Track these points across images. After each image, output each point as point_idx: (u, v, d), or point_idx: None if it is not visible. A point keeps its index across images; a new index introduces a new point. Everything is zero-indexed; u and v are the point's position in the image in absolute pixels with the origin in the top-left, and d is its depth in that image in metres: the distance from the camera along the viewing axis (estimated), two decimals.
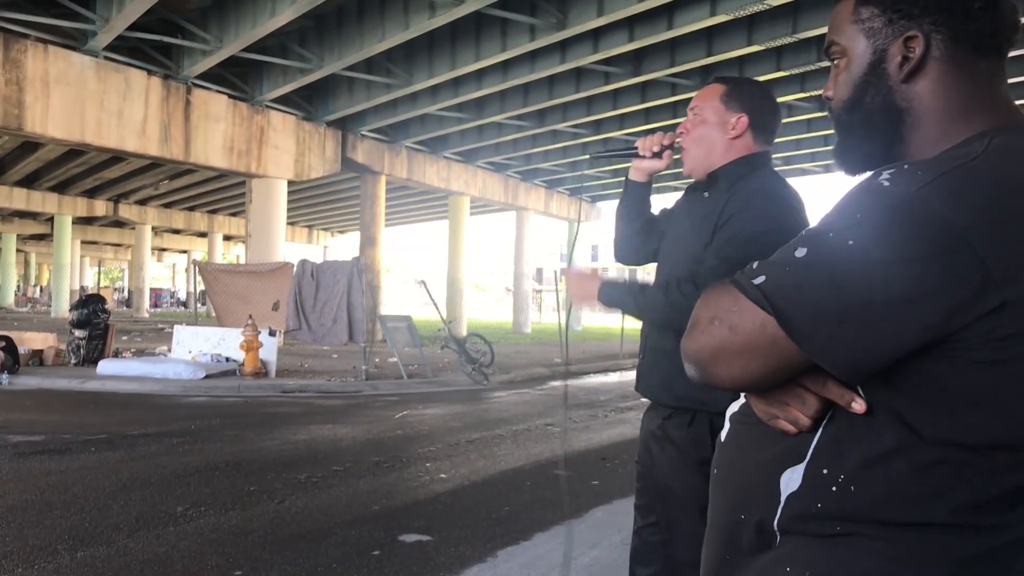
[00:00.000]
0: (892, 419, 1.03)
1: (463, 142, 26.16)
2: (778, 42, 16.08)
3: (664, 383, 2.26)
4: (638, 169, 2.51)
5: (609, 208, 43.32)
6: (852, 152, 1.21)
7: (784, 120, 22.30)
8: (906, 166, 1.02)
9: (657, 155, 2.43)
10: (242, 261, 28.61)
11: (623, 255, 2.59)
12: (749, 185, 2.17)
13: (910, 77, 1.12)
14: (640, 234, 2.53)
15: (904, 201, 0.96)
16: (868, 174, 1.06)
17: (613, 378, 16.56)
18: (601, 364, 18.81)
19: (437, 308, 15.95)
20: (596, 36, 16.76)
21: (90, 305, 15.00)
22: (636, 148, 2.46)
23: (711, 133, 2.26)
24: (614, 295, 2.26)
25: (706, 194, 2.29)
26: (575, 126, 24.39)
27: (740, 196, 2.14)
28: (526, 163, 30.37)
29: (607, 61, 18.39)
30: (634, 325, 24.83)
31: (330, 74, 19.22)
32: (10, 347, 12.87)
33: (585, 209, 39.42)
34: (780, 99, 20.15)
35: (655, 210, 2.61)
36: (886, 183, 1.00)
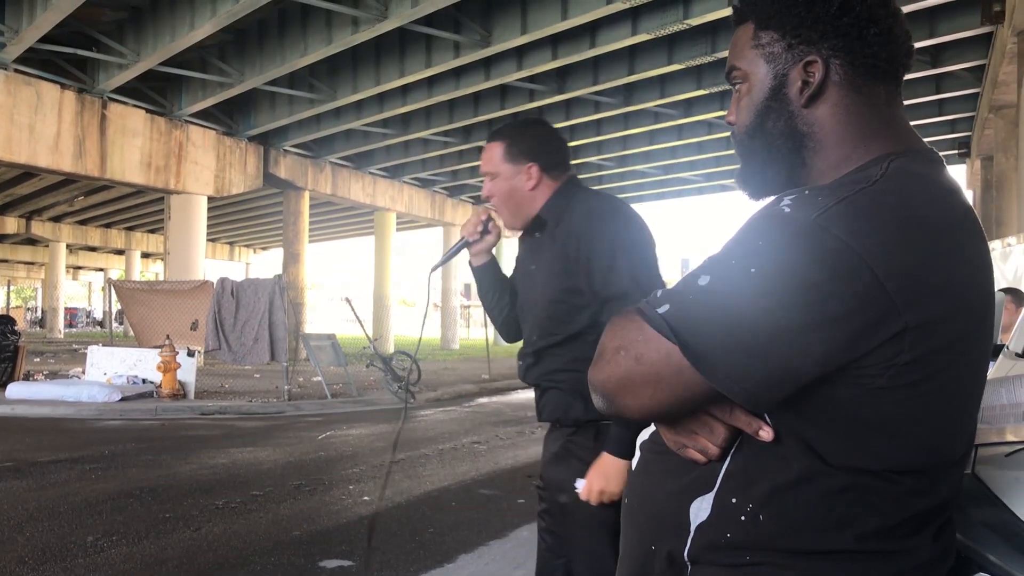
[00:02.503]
0: (799, 446, 1.03)
1: (389, 158, 26.02)
2: (698, 61, 16.44)
3: (567, 404, 2.26)
4: (477, 254, 2.50)
5: None
6: (755, 177, 1.21)
7: (704, 137, 22.98)
8: (807, 192, 1.02)
9: (485, 232, 2.44)
10: (161, 279, 27.92)
11: (510, 334, 2.56)
12: (574, 213, 2.25)
13: (811, 102, 1.13)
14: (509, 305, 2.52)
15: (805, 227, 0.96)
16: (770, 199, 1.06)
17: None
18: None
19: (362, 325, 15.76)
20: (520, 53, 16.88)
21: None
22: (466, 240, 2.47)
23: (512, 189, 2.33)
24: (628, 441, 2.04)
25: (537, 235, 2.36)
26: None
27: (574, 226, 2.22)
28: (453, 179, 30.38)
29: (531, 79, 18.55)
30: None
31: (251, 88, 18.93)
32: None
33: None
34: (700, 117, 20.64)
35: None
36: (787, 209, 0.99)
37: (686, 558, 1.11)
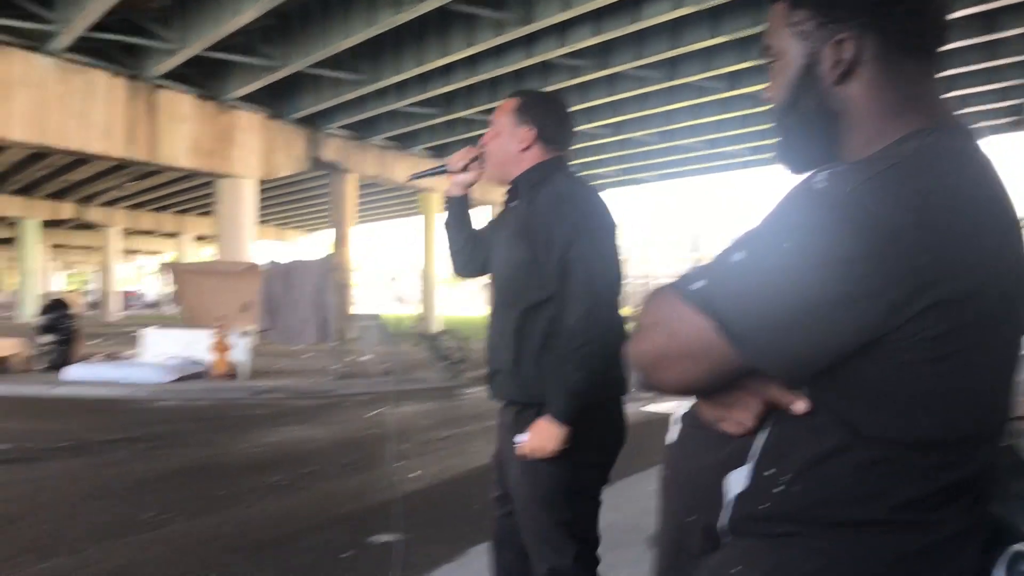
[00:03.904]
0: (833, 419, 1.05)
1: (433, 137, 26.07)
2: (742, 33, 16.18)
3: (516, 385, 2.44)
4: (454, 184, 2.67)
5: None
6: (793, 152, 1.23)
7: (749, 110, 22.64)
8: (841, 167, 1.03)
9: (465, 169, 2.60)
10: (213, 261, 28.50)
11: (459, 267, 2.77)
12: (546, 190, 2.39)
13: (843, 79, 1.14)
14: (468, 245, 2.71)
15: (838, 202, 0.97)
16: (805, 175, 1.07)
17: None
18: None
19: (409, 305, 15.88)
20: (562, 30, 16.76)
21: (57, 310, 14.85)
22: (445, 166, 2.65)
23: (504, 145, 2.48)
24: (565, 407, 2.28)
25: (513, 204, 2.51)
26: None
27: (541, 203, 2.37)
28: None
29: (574, 55, 18.40)
30: None
31: (296, 72, 19.07)
32: None
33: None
34: (745, 90, 20.33)
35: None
36: (821, 185, 1.00)
37: (723, 529, 1.13)
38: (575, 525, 2.44)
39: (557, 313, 2.31)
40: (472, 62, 18.93)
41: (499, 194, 2.61)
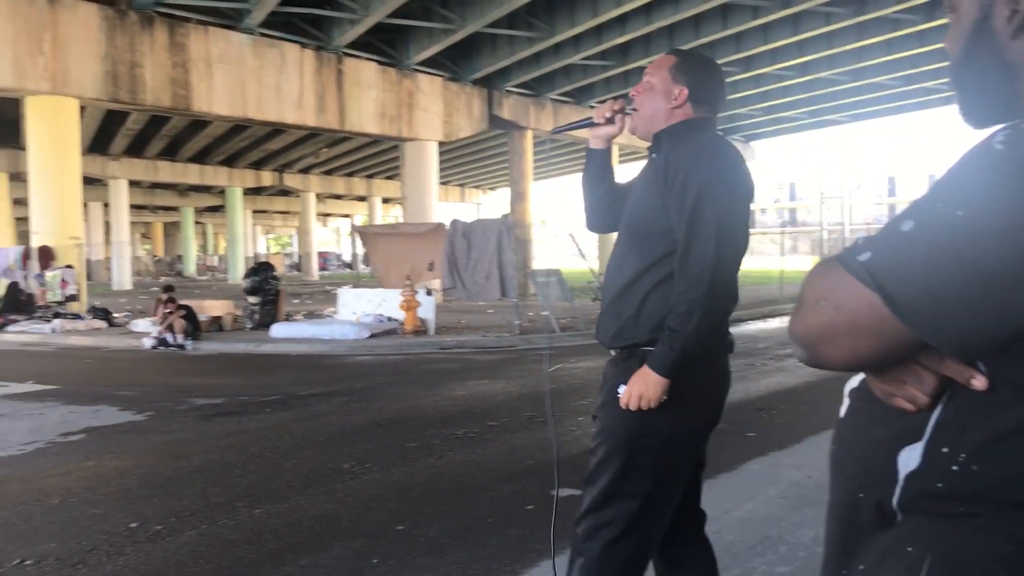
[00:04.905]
0: (1015, 395, 0.97)
1: (609, 90, 25.83)
2: None
3: (622, 330, 2.41)
4: (596, 137, 2.65)
5: (763, 145, 41.89)
6: (972, 108, 1.14)
7: None
8: (1022, 126, 0.94)
9: (610, 120, 2.56)
10: (400, 223, 29.65)
11: (592, 222, 2.74)
12: (688, 143, 2.35)
13: (1019, 33, 1.04)
14: (605, 200, 2.67)
15: (1018, 166, 0.89)
16: (984, 135, 0.99)
17: (772, 324, 16.12)
18: (759, 310, 18.33)
19: (587, 260, 15.94)
20: None
21: (261, 273, 15.93)
22: (592, 118, 2.60)
23: (656, 100, 2.44)
24: (670, 362, 2.24)
25: (654, 155, 2.46)
26: (724, 64, 23.61)
27: (681, 154, 2.32)
28: None
29: None
30: (794, 268, 23.99)
31: (473, 33, 19.37)
32: (191, 315, 13.86)
33: (738, 148, 38.25)
34: (945, 20, 18.82)
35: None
36: (999, 146, 0.93)
37: (895, 506, 1.08)
38: (626, 501, 2.34)
39: (677, 263, 2.27)
40: (648, 10, 18.54)
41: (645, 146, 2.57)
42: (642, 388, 2.25)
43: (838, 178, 46.57)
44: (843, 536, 1.19)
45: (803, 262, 46.26)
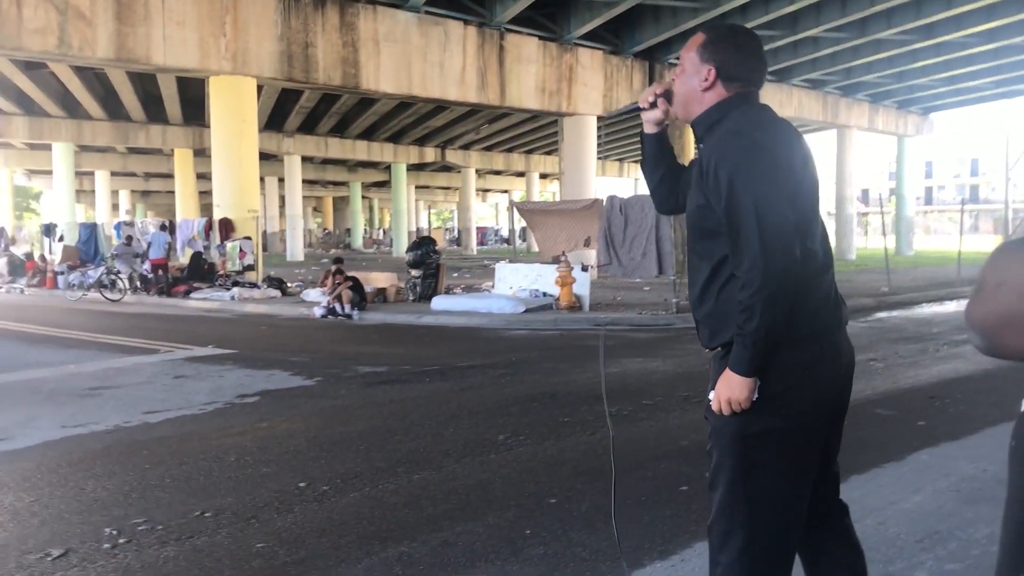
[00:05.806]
0: None
1: (776, 60, 24.89)
2: None
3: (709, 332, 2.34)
4: (647, 121, 2.56)
5: (942, 117, 39.34)
6: None
7: None
8: None
9: (653, 105, 2.49)
10: (557, 198, 29.71)
11: (659, 204, 2.67)
12: (719, 130, 2.25)
13: None
14: (664, 183, 2.58)
15: None
16: None
17: (949, 307, 15.18)
18: (934, 292, 17.30)
19: None
20: None
21: (423, 247, 16.42)
22: (637, 103, 2.54)
23: (688, 82, 2.36)
24: (746, 361, 2.12)
25: (700, 145, 2.37)
26: (902, 32, 22.26)
27: (712, 144, 2.23)
28: (846, 77, 28.34)
29: None
30: (973, 248, 22.49)
31: (635, 5, 19.08)
32: (357, 286, 14.47)
33: (915, 122, 36.07)
34: None
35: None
36: None
37: None
38: (750, 504, 2.19)
39: (730, 258, 2.16)
40: None
41: None
42: (728, 392, 2.16)
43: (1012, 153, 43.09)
44: (1021, 537, 1.12)
45: (984, 242, 43.32)
